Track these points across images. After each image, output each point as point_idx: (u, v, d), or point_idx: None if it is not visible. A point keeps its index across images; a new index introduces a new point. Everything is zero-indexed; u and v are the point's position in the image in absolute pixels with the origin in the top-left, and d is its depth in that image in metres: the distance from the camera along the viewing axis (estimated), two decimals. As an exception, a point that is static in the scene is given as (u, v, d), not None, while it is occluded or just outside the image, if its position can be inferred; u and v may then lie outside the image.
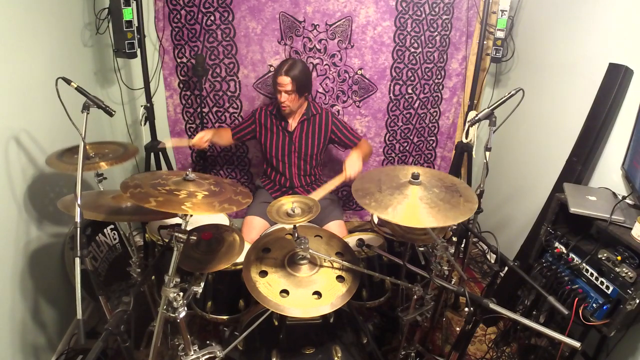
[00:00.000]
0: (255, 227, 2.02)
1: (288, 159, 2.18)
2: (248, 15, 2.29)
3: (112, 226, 2.04)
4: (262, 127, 2.17)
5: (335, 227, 2.03)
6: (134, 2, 2.00)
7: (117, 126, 2.50)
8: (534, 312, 1.70)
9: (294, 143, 2.14)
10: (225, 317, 1.63)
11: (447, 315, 2.16)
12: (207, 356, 1.31)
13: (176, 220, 1.19)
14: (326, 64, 2.42)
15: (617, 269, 1.30)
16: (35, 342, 1.70)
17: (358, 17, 2.32)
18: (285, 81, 1.92)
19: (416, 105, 2.59)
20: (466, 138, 2.38)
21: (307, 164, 2.20)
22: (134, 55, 2.06)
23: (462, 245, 2.24)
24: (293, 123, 2.14)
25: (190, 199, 1.11)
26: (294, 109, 2.06)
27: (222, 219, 1.96)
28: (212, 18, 2.29)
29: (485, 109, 1.68)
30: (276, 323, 1.48)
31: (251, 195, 1.28)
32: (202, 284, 1.30)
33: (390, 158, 2.74)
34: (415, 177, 1.26)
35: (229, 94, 2.48)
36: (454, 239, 2.22)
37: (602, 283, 1.36)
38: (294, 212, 1.32)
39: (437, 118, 2.67)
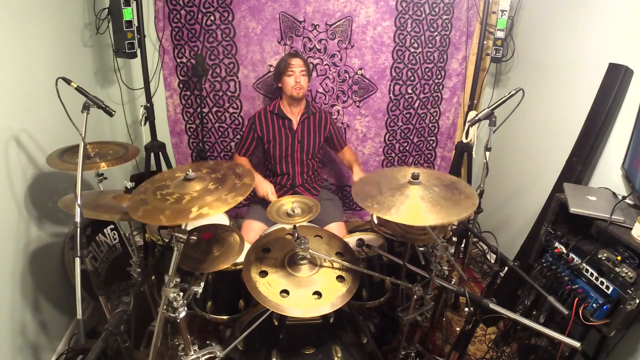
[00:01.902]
0: (253, 231, 2.01)
1: (292, 157, 2.19)
2: (248, 15, 2.29)
3: (112, 226, 2.04)
4: (265, 130, 2.16)
5: (335, 228, 2.03)
6: (134, 2, 2.00)
7: (117, 126, 2.50)
8: (534, 312, 1.70)
9: (297, 141, 2.16)
10: (225, 317, 1.63)
11: (447, 315, 2.16)
12: (207, 356, 1.31)
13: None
14: (326, 64, 2.43)
15: (617, 269, 1.30)
16: (35, 342, 1.70)
17: (358, 17, 2.32)
18: (300, 62, 2.04)
19: (416, 105, 2.59)
20: (466, 138, 2.38)
21: (309, 161, 2.22)
22: (134, 55, 2.06)
23: (462, 245, 2.24)
24: (295, 121, 2.15)
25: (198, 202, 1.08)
26: (305, 93, 2.11)
27: (222, 219, 1.96)
28: (212, 18, 2.29)
29: (485, 109, 1.68)
30: (276, 323, 1.48)
31: (253, 174, 1.23)
32: (202, 284, 1.30)
33: (390, 158, 2.74)
34: (415, 177, 1.26)
35: (228, 94, 2.48)
36: (454, 239, 2.22)
37: (602, 283, 1.36)
38: (294, 212, 1.32)
39: (437, 118, 2.67)
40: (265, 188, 2.06)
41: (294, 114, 2.15)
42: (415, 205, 1.18)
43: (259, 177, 2.12)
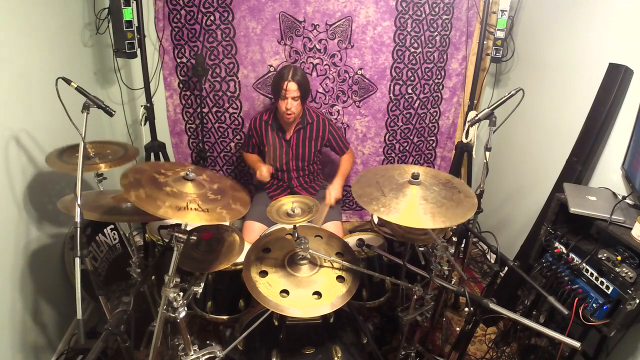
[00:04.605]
0: (254, 231, 2.01)
1: (287, 166, 2.20)
2: (248, 15, 2.29)
3: (112, 226, 2.04)
4: (260, 137, 2.19)
5: (333, 228, 2.02)
6: (134, 2, 2.00)
7: (117, 126, 2.50)
8: (534, 312, 1.70)
9: (292, 151, 2.16)
10: (225, 317, 1.63)
11: (447, 315, 2.16)
12: (207, 356, 1.31)
13: (176, 220, 1.19)
14: (326, 64, 2.42)
15: (617, 269, 1.30)
16: (35, 342, 1.70)
17: (358, 17, 2.32)
18: (293, 87, 1.94)
19: (416, 105, 2.59)
20: (466, 138, 2.38)
21: (305, 167, 2.23)
22: (134, 55, 2.06)
23: (462, 245, 2.24)
24: (290, 131, 2.15)
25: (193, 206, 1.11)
26: (297, 116, 2.07)
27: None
28: (212, 18, 2.29)
29: (485, 109, 1.68)
30: (276, 323, 1.48)
31: (249, 202, 1.27)
32: (202, 284, 1.30)
33: (390, 158, 2.74)
34: (415, 177, 1.27)
35: (228, 94, 2.48)
36: (454, 239, 2.23)
37: (602, 283, 1.36)
38: (293, 212, 1.32)
39: (437, 118, 2.67)
40: (261, 169, 2.14)
41: (289, 125, 2.14)
42: (421, 207, 1.19)
43: (255, 158, 2.30)
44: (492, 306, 1.19)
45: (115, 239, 2.06)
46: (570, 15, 1.99)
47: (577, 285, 1.45)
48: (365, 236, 1.81)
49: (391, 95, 2.53)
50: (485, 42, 2.35)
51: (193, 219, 1.06)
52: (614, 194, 1.57)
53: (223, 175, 1.38)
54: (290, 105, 1.97)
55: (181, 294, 1.17)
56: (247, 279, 1.27)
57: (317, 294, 1.26)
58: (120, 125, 2.47)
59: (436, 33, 2.41)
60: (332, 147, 2.28)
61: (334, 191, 2.15)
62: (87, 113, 1.31)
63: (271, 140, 2.16)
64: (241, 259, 1.39)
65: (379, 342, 1.84)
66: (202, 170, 1.30)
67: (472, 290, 2.42)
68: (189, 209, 1.08)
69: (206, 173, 1.30)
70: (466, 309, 1.26)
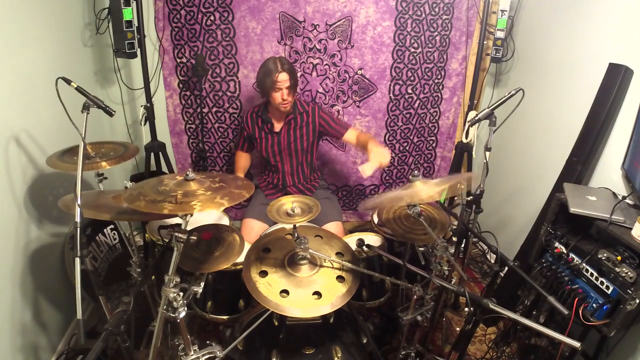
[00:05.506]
0: (254, 229, 2.01)
1: (279, 157, 2.18)
2: (248, 15, 2.29)
3: (112, 226, 2.04)
4: (252, 130, 2.17)
5: (333, 228, 2.02)
6: (134, 2, 2.00)
7: (117, 126, 2.50)
8: (534, 312, 1.70)
9: (282, 142, 2.13)
10: (225, 317, 1.63)
11: (447, 315, 2.16)
12: (207, 356, 1.31)
13: (176, 220, 1.19)
14: (326, 64, 2.42)
15: (617, 269, 1.30)
16: (35, 342, 1.70)
17: (358, 17, 2.32)
18: (285, 77, 1.93)
19: (416, 105, 2.59)
20: (466, 138, 2.38)
21: (299, 162, 2.19)
22: (134, 55, 2.06)
23: (462, 245, 2.24)
24: (278, 124, 2.12)
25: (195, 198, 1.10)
26: (292, 105, 2.05)
27: (222, 219, 1.96)
28: (212, 18, 2.29)
29: (485, 109, 1.68)
30: (276, 323, 1.48)
31: (253, 186, 1.24)
32: (202, 284, 1.30)
33: (390, 158, 2.74)
34: (415, 175, 1.28)
35: (228, 94, 2.48)
36: (454, 239, 2.23)
37: (602, 283, 1.36)
38: (293, 212, 1.32)
39: (437, 118, 2.68)
40: None
41: (281, 117, 2.11)
42: (425, 186, 1.26)
43: (241, 165, 2.35)
44: (492, 306, 1.19)
45: (115, 239, 2.06)
46: (570, 15, 1.99)
47: (577, 285, 1.45)
48: (365, 236, 1.80)
49: (391, 95, 2.53)
50: (485, 42, 2.35)
51: (160, 209, 1.04)
52: (614, 194, 1.57)
53: (240, 177, 1.35)
54: (286, 95, 1.96)
55: (181, 294, 1.17)
56: (247, 279, 1.27)
57: (317, 294, 1.25)
58: (120, 125, 2.48)
59: (436, 33, 2.41)
60: (329, 133, 2.15)
61: (378, 153, 1.82)
62: (87, 113, 1.31)
63: (261, 132, 2.14)
64: (241, 259, 1.39)
65: (379, 342, 1.84)
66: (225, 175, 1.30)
67: (472, 290, 2.42)
68: (164, 202, 1.05)
69: (222, 177, 1.28)
70: (466, 309, 1.26)
